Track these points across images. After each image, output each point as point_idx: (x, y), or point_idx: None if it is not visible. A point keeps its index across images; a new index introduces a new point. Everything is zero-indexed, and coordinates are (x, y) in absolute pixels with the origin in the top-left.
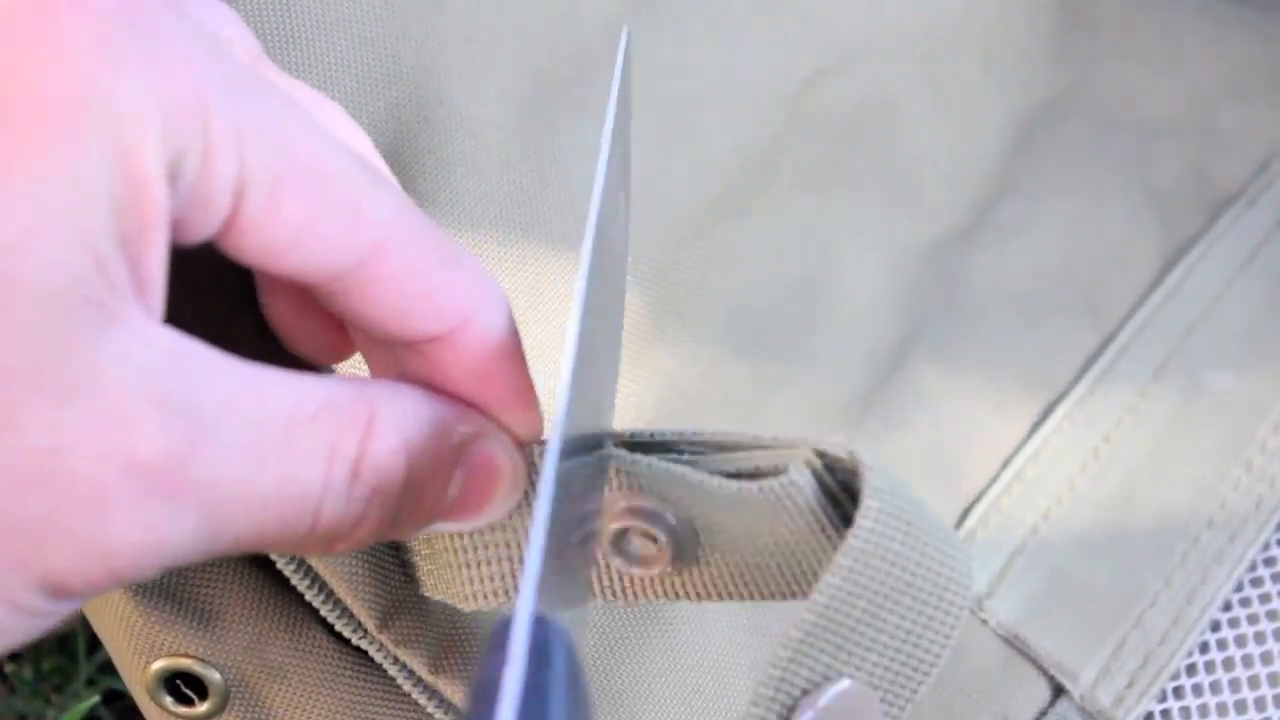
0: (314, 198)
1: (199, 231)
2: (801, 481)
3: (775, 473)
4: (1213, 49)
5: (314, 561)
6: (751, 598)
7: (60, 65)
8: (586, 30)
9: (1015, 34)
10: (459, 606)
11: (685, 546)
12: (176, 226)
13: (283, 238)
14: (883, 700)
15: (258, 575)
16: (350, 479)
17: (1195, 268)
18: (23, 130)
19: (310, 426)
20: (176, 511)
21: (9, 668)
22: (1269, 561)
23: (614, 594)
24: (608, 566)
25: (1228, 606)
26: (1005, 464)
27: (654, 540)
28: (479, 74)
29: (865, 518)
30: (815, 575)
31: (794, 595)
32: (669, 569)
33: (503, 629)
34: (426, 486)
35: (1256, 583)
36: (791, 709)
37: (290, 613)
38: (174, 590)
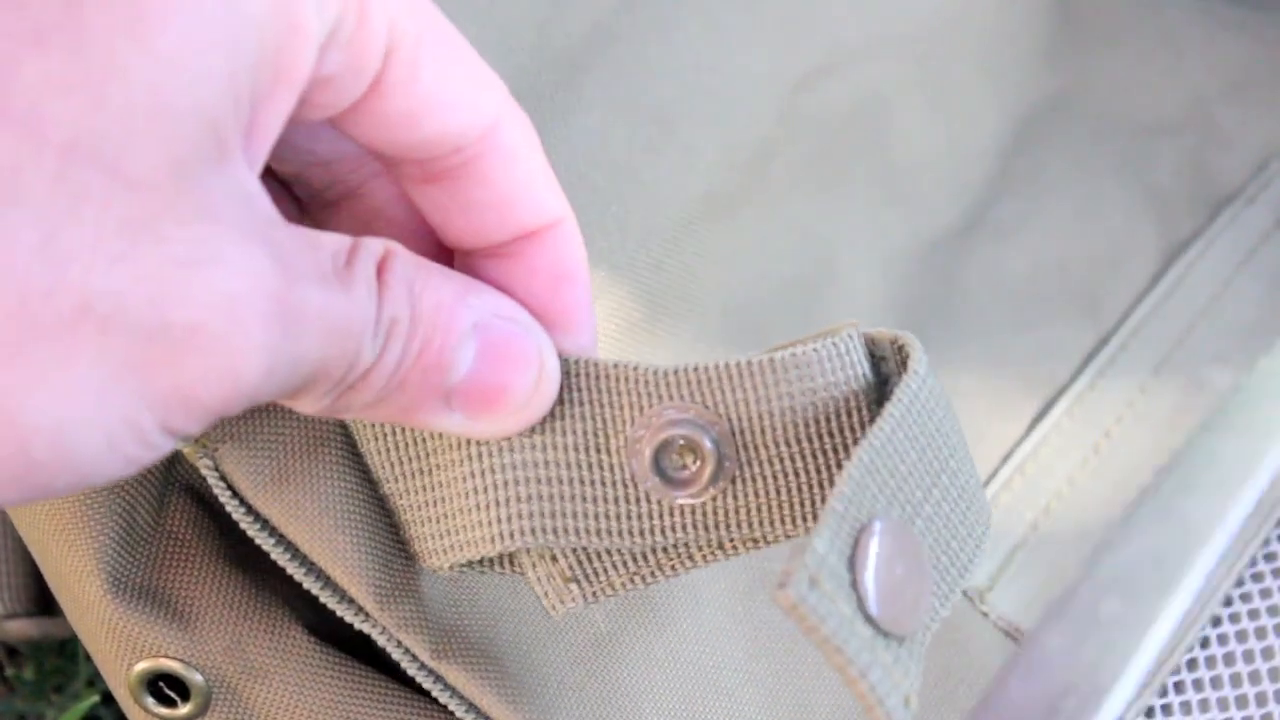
0: (449, 61)
1: (349, 92)
2: (855, 338)
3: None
4: (1211, 49)
5: (308, 548)
6: (788, 523)
7: None
8: (573, 34)
9: (1012, 33)
10: (481, 554)
11: (725, 458)
12: (326, 88)
13: (422, 99)
14: (936, 554)
15: (237, 576)
16: (378, 313)
17: (1194, 265)
18: None
19: (351, 266)
20: (287, 336)
21: (9, 668)
22: (1270, 556)
23: (656, 533)
24: (645, 497)
25: (1228, 601)
26: (1005, 460)
27: (695, 453)
28: None
29: (917, 366)
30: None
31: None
32: (708, 488)
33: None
34: (431, 340)
35: (1257, 578)
36: (855, 542)
37: (270, 613)
38: (154, 591)
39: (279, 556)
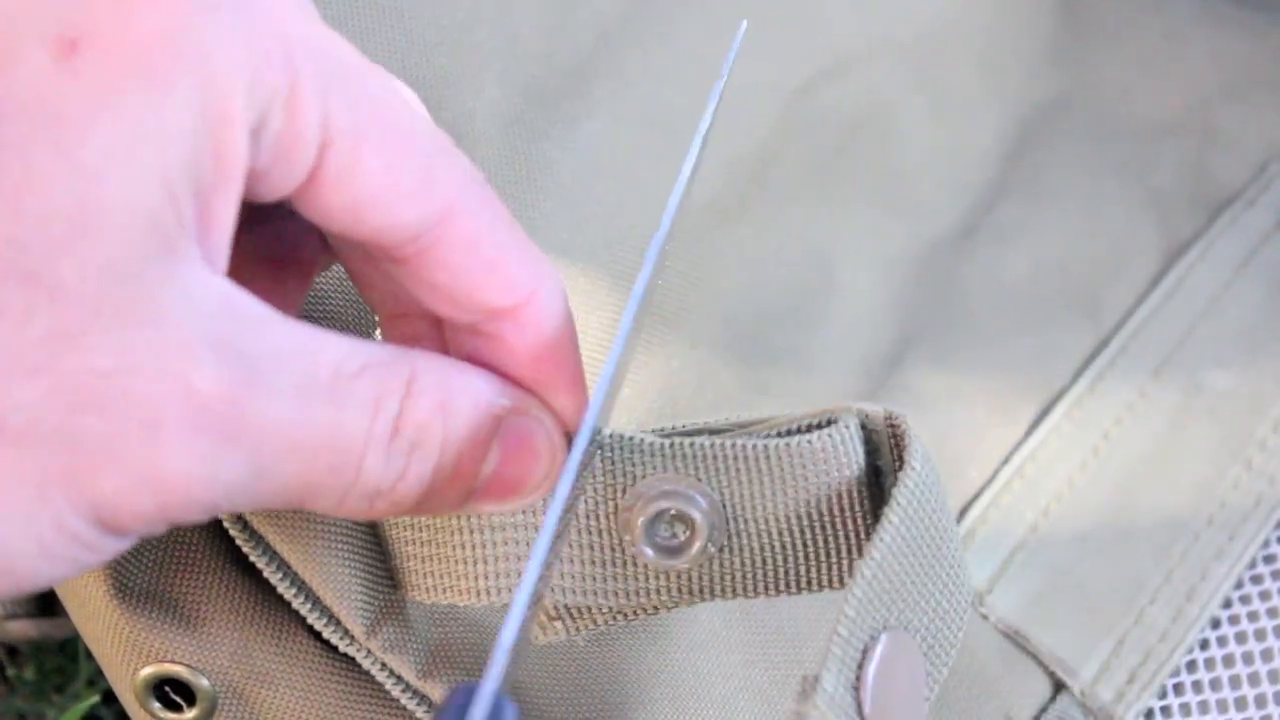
0: (394, 153)
1: (282, 185)
2: (853, 428)
3: (824, 425)
4: (1211, 50)
5: (300, 568)
6: (776, 589)
7: (151, 13)
8: (579, 43)
9: (1012, 36)
10: (460, 603)
11: (715, 529)
12: (260, 180)
13: (364, 193)
14: (927, 653)
15: (244, 581)
16: (392, 433)
17: (1194, 268)
18: (115, 67)
19: (356, 380)
20: (228, 448)
21: (9, 668)
22: (1269, 559)
23: (642, 595)
24: (635, 564)
25: (1228, 604)
26: (1005, 462)
27: (685, 524)
28: (468, 86)
29: (913, 461)
30: (844, 554)
31: (817, 585)
32: (698, 556)
33: (460, 699)
34: (463, 454)
35: (1257, 580)
36: (861, 663)
37: (277, 618)
38: (160, 596)
39: (271, 574)
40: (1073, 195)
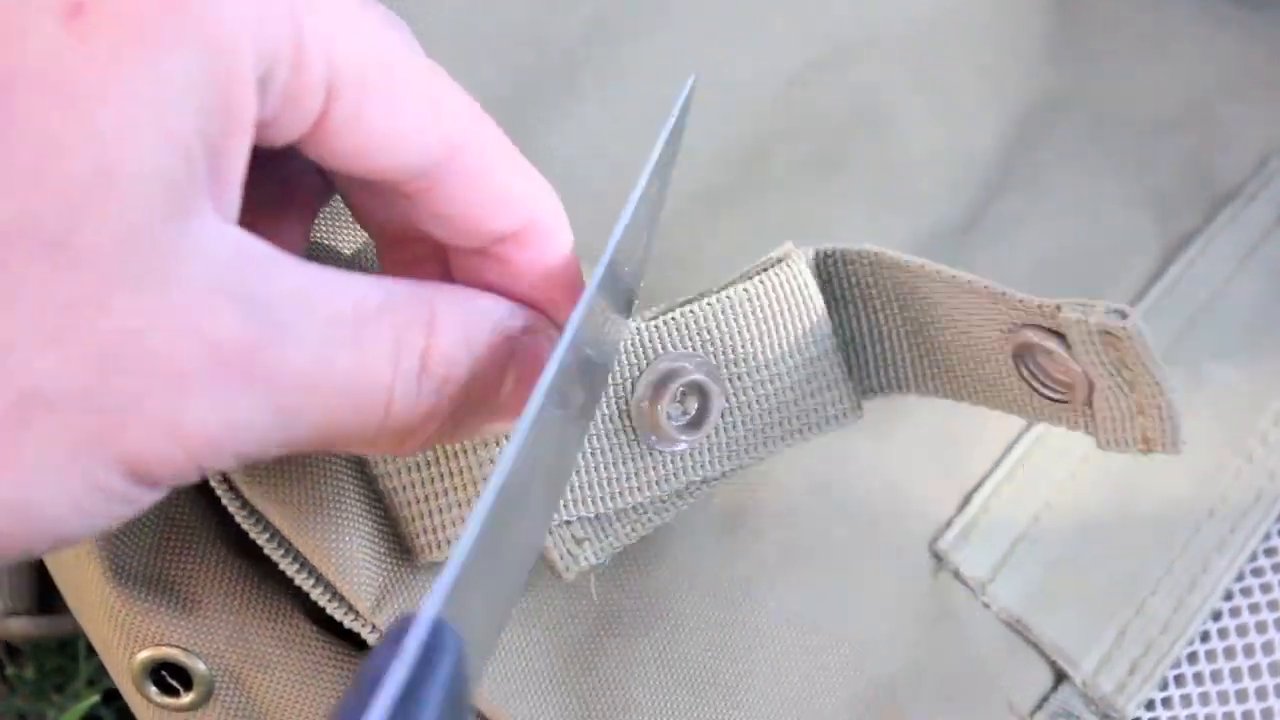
0: (398, 96)
1: (289, 132)
2: (796, 259)
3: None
4: (1211, 47)
5: (301, 544)
6: (781, 439)
7: None
8: (573, 31)
9: (1011, 31)
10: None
11: (712, 395)
12: (267, 128)
13: (371, 136)
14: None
15: (241, 564)
16: (419, 370)
17: (1195, 262)
18: (122, 29)
19: (376, 319)
20: (252, 396)
21: (9, 668)
22: (1270, 551)
23: (667, 480)
24: (650, 453)
25: (1229, 595)
26: (1007, 452)
27: (696, 393)
28: (459, 75)
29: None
30: (825, 389)
31: (812, 425)
32: (704, 425)
33: (400, 626)
34: (486, 380)
35: (1258, 572)
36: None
37: (274, 602)
38: (157, 579)
39: (272, 551)
40: (1072, 191)
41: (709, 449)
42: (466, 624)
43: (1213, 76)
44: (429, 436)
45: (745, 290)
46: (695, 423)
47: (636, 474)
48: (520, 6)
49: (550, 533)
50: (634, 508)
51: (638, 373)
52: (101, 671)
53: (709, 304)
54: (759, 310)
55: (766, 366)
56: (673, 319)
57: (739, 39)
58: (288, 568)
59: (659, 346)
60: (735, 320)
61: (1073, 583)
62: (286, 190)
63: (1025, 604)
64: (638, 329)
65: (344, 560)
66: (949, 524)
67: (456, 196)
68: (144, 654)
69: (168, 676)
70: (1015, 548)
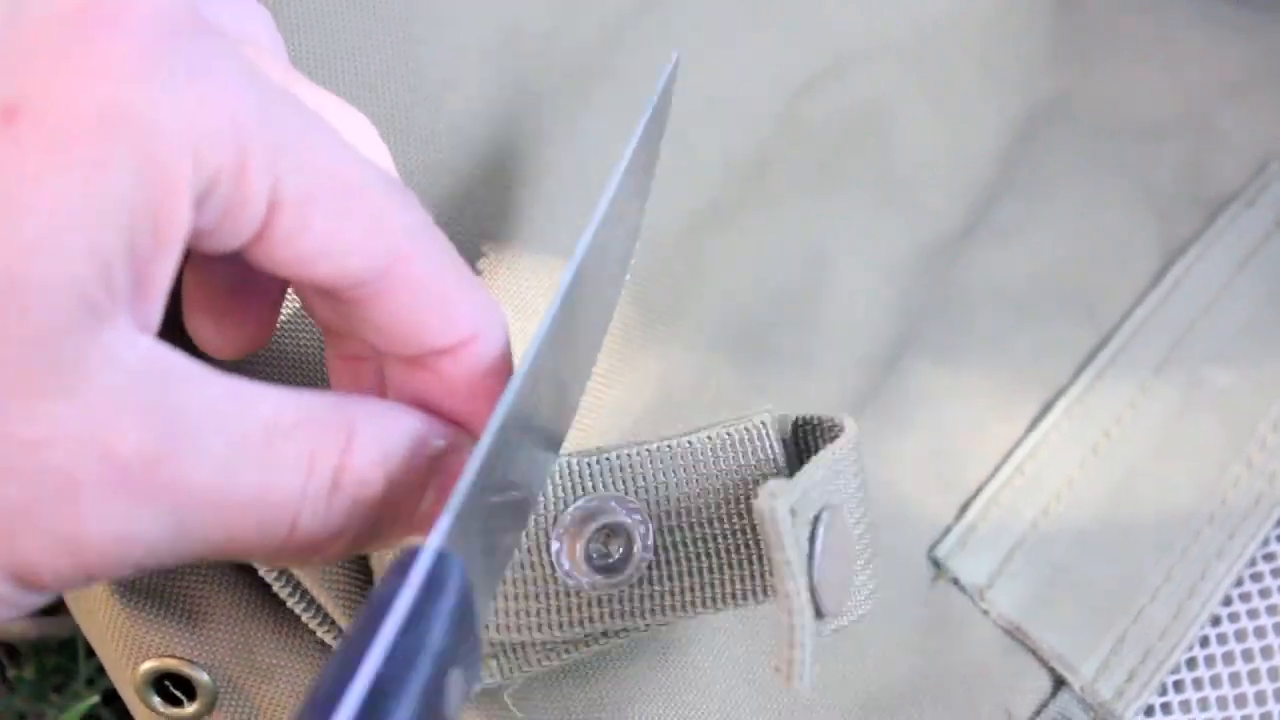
0: (341, 212)
1: (230, 242)
2: (768, 421)
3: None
4: (1211, 50)
5: (296, 569)
6: (709, 602)
7: (96, 83)
8: (580, 41)
9: (1012, 36)
10: None
11: (646, 540)
12: (207, 237)
13: (310, 249)
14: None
15: (243, 576)
16: (330, 489)
17: (1194, 266)
18: (56, 139)
19: (290, 436)
20: (147, 510)
21: (9, 668)
22: (1269, 557)
23: (580, 623)
24: (570, 593)
25: (1228, 601)
26: (1005, 459)
27: (620, 536)
28: (466, 85)
29: (849, 435)
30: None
31: (748, 595)
32: (630, 572)
33: (407, 556)
34: (403, 497)
35: (1256, 578)
36: (816, 520)
37: (277, 614)
38: (161, 591)
39: (266, 573)
40: (1072, 194)
41: (627, 599)
42: (469, 557)
43: (1212, 81)
44: (338, 552)
45: (692, 442)
46: (615, 568)
47: (549, 611)
48: (530, 17)
49: None
50: (546, 643)
51: (564, 506)
52: (101, 672)
53: (652, 449)
54: (705, 464)
55: (703, 525)
56: (608, 459)
57: (744, 50)
58: (280, 590)
59: (589, 484)
60: (676, 471)
61: (1071, 589)
62: (256, 273)
63: (1024, 611)
64: (569, 464)
65: (335, 584)
66: (947, 531)
67: (395, 306)
68: (147, 665)
69: (171, 687)
70: (1013, 555)
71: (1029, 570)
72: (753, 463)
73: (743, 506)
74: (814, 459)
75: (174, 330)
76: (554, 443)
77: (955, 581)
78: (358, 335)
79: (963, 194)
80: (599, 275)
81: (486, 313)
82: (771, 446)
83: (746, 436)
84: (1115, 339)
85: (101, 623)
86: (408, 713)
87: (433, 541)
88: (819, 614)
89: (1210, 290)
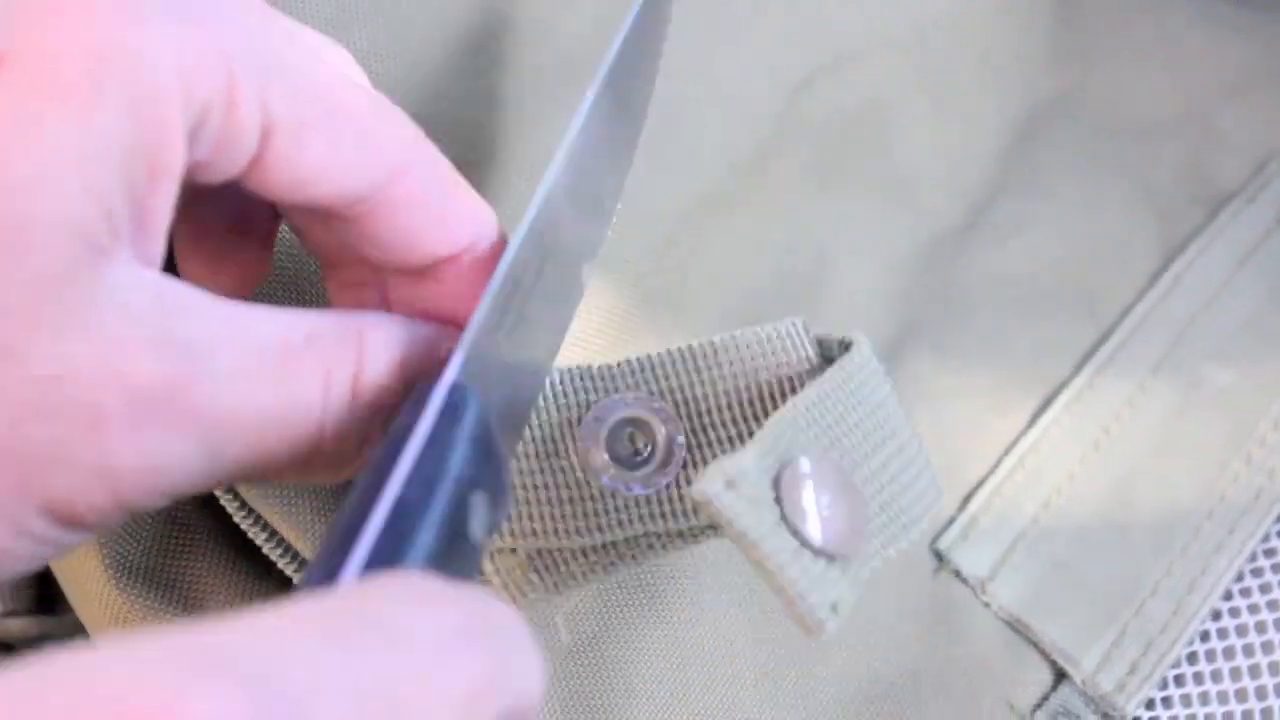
0: (335, 131)
1: (225, 172)
2: (799, 326)
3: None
4: (1211, 49)
5: (299, 544)
6: None
7: (81, 25)
8: (578, 32)
9: (1013, 34)
10: None
11: (675, 443)
12: (202, 169)
13: (307, 171)
14: (878, 508)
15: (242, 562)
16: (350, 399)
17: (1194, 263)
18: (43, 81)
19: (303, 353)
20: (176, 436)
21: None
22: (1269, 552)
23: (603, 528)
24: (599, 494)
25: (1228, 596)
26: (1006, 454)
27: (646, 437)
28: (468, 74)
29: (860, 348)
30: None
31: None
32: (660, 472)
33: (423, 390)
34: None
35: (1257, 573)
36: (782, 466)
37: (275, 596)
38: (158, 577)
39: (271, 551)
40: (1072, 192)
41: (663, 500)
42: (486, 390)
43: (1213, 79)
44: (364, 463)
45: (721, 341)
46: (643, 466)
47: (582, 515)
48: (528, 8)
49: (491, 558)
50: (586, 550)
51: (588, 406)
52: None
53: (681, 349)
54: (737, 364)
55: (738, 424)
56: (636, 361)
57: (743, 45)
58: (286, 567)
59: (616, 386)
60: (710, 371)
61: (1073, 582)
62: (246, 210)
63: (1025, 603)
64: (595, 368)
65: (290, 505)
66: (950, 523)
67: (394, 222)
68: None
69: None
70: (1015, 547)
71: (1030, 563)
72: (786, 361)
73: (778, 404)
74: (778, 412)
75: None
76: (571, 285)
77: (957, 574)
78: (356, 256)
79: (963, 192)
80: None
81: (483, 216)
82: (805, 346)
83: (777, 335)
84: (1115, 335)
85: (98, 610)
86: (431, 534)
87: (448, 375)
88: (829, 557)
89: (1210, 287)
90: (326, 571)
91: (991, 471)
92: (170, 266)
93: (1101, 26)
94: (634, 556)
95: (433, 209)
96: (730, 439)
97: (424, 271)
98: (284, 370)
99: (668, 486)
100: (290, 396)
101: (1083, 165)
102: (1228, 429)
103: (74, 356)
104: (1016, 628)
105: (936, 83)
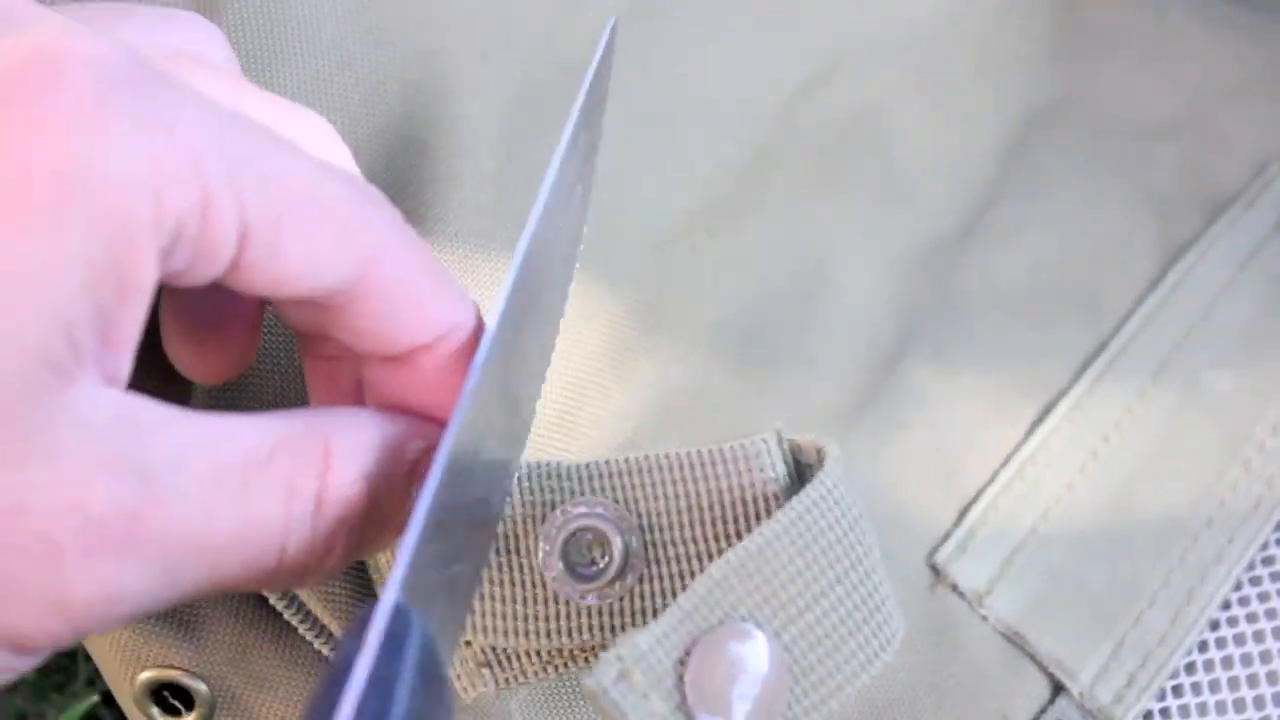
0: (312, 228)
1: (203, 276)
2: (772, 442)
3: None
4: (1210, 51)
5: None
6: None
7: (45, 144)
8: (577, 43)
9: (1011, 37)
10: None
11: (633, 555)
12: (180, 277)
13: (286, 270)
14: (804, 673)
15: None
16: (314, 512)
17: (1193, 269)
18: (7, 202)
19: (266, 467)
20: (130, 564)
21: None
22: (1268, 561)
23: (564, 633)
24: (553, 599)
25: (1227, 606)
26: (1004, 463)
27: (603, 548)
28: (467, 90)
29: (825, 476)
30: None
31: None
32: (614, 584)
33: (364, 616)
34: (388, 505)
35: (1255, 582)
36: (694, 641)
37: (275, 623)
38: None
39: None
40: (1072, 195)
41: (615, 612)
42: (428, 607)
43: (1212, 82)
44: (332, 567)
45: (683, 455)
46: (597, 577)
47: (534, 618)
48: (527, 19)
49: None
50: (540, 650)
51: (547, 511)
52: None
53: (640, 459)
54: (699, 479)
55: (696, 541)
56: (596, 466)
57: (742, 55)
58: (276, 603)
59: (575, 490)
60: (668, 483)
61: (1070, 594)
62: (230, 299)
63: (1023, 616)
64: (556, 469)
65: (331, 597)
66: (946, 536)
67: (371, 310)
68: (146, 675)
69: (170, 697)
70: (1013, 560)
71: (1028, 576)
72: (754, 481)
73: (739, 525)
74: (705, 572)
75: (155, 354)
76: (515, 443)
77: (954, 587)
78: (333, 339)
79: (962, 194)
80: (549, 257)
81: (461, 305)
82: (775, 464)
83: (744, 454)
84: (1114, 342)
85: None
86: None
87: (387, 598)
88: None
89: (1209, 293)
90: None
91: (989, 483)
92: (156, 344)
93: (1101, 27)
94: (586, 660)
95: (409, 298)
96: (689, 556)
97: (400, 358)
98: (246, 490)
99: (621, 599)
100: (252, 516)
101: (1082, 166)
102: (1226, 436)
103: (32, 485)
104: (1014, 640)
105: (935, 85)
